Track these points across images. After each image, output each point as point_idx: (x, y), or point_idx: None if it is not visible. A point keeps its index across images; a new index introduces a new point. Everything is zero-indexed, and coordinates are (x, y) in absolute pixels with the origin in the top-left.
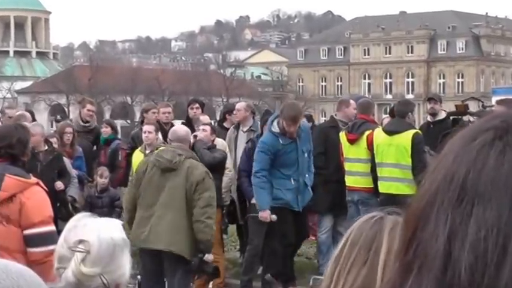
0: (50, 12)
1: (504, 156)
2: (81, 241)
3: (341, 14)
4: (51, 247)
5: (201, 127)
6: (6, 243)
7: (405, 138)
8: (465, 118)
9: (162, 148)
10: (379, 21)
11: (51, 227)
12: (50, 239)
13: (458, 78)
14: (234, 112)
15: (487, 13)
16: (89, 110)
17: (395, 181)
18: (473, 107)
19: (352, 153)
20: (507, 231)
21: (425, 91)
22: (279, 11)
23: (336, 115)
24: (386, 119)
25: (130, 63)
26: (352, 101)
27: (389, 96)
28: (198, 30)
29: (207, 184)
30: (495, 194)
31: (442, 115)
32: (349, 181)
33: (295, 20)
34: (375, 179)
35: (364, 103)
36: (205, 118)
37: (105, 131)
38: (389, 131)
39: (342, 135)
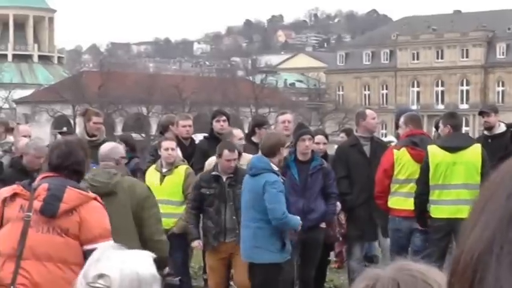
0: (54, 11)
1: None
2: (101, 276)
3: (387, 13)
4: None
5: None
6: (64, 255)
7: (473, 154)
8: None
9: (93, 170)
10: (430, 22)
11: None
12: None
13: None
14: (286, 124)
15: None
16: (95, 123)
17: (463, 204)
18: None
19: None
20: None
21: (482, 100)
22: (316, 9)
23: (356, 131)
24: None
25: (147, 68)
26: (369, 112)
27: (441, 107)
28: (225, 32)
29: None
30: None
31: (501, 128)
32: (407, 204)
33: (335, 20)
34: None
35: (415, 117)
36: (238, 133)
37: None
38: (452, 148)
39: (404, 152)
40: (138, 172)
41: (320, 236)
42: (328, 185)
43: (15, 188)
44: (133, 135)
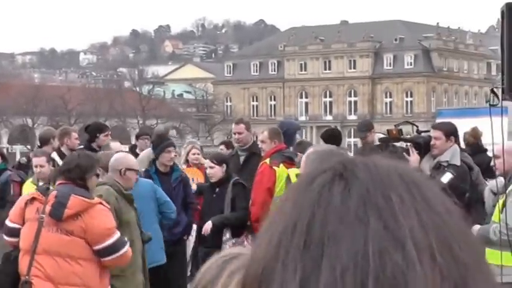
0: None
1: (349, 191)
2: None
3: (274, 23)
4: (121, 251)
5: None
6: (71, 252)
7: None
8: (398, 144)
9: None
10: (317, 32)
11: (117, 235)
12: (118, 245)
13: (407, 96)
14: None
15: (438, 23)
16: None
17: None
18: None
19: None
20: (364, 265)
21: (369, 111)
22: (204, 19)
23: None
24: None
25: (32, 79)
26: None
27: (329, 117)
28: (111, 42)
29: None
30: (346, 229)
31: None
32: None
33: (223, 30)
34: None
35: (277, 130)
36: (116, 145)
37: None
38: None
39: (283, 169)
40: (12, 183)
41: (184, 249)
42: (188, 194)
43: (33, 193)
44: (19, 146)
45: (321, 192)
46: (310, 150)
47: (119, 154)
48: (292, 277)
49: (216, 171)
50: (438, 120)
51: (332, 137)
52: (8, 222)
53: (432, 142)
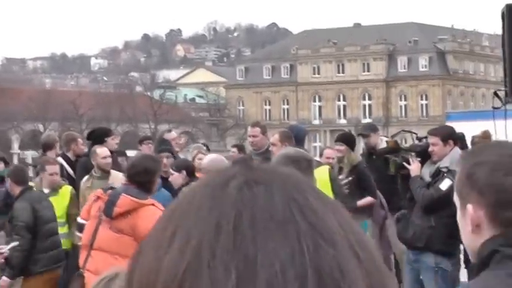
0: None
1: (271, 192)
2: None
3: (287, 26)
4: None
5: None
6: (118, 249)
7: (320, 173)
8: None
9: None
10: (330, 35)
11: None
12: None
13: (422, 99)
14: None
15: (452, 25)
16: None
17: None
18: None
19: None
20: (302, 259)
21: (384, 115)
22: (215, 23)
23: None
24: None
25: (43, 84)
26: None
27: (343, 121)
28: (122, 46)
29: None
30: (278, 227)
31: (383, 144)
32: None
33: (235, 34)
34: None
35: (289, 134)
36: (102, 151)
37: None
38: None
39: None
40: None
41: None
42: None
43: (98, 192)
44: (31, 152)
45: (241, 193)
46: (281, 152)
47: None
48: (226, 277)
49: (175, 178)
50: (448, 124)
51: (345, 140)
52: (78, 219)
53: (430, 149)
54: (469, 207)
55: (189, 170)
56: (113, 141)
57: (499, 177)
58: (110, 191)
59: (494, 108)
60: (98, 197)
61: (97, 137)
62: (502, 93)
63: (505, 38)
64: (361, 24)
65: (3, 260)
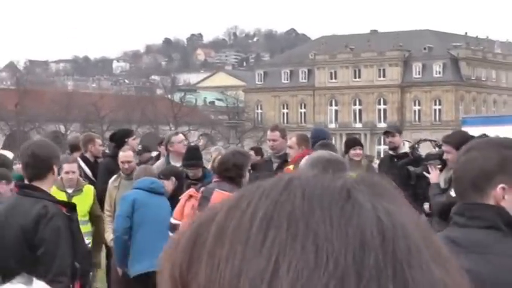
0: None
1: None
2: None
3: (305, 32)
4: None
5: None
6: None
7: None
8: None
9: None
10: (347, 41)
11: None
12: None
13: (435, 105)
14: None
15: (466, 33)
16: None
17: None
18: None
19: None
20: (360, 254)
21: (399, 119)
22: (235, 28)
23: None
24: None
25: (65, 86)
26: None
27: (359, 125)
28: (144, 50)
29: None
30: (334, 229)
31: (406, 148)
32: None
33: (254, 39)
34: None
35: (306, 137)
36: (122, 155)
37: (19, 167)
38: None
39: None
40: None
41: None
42: None
43: (190, 190)
44: None
45: (279, 190)
46: (313, 154)
47: None
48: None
49: (166, 186)
50: (463, 129)
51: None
52: (171, 220)
53: (444, 156)
54: None
55: (178, 176)
56: (134, 142)
57: None
58: (202, 188)
59: None
60: (190, 196)
61: (118, 138)
62: None
63: None
64: (377, 31)
65: None
